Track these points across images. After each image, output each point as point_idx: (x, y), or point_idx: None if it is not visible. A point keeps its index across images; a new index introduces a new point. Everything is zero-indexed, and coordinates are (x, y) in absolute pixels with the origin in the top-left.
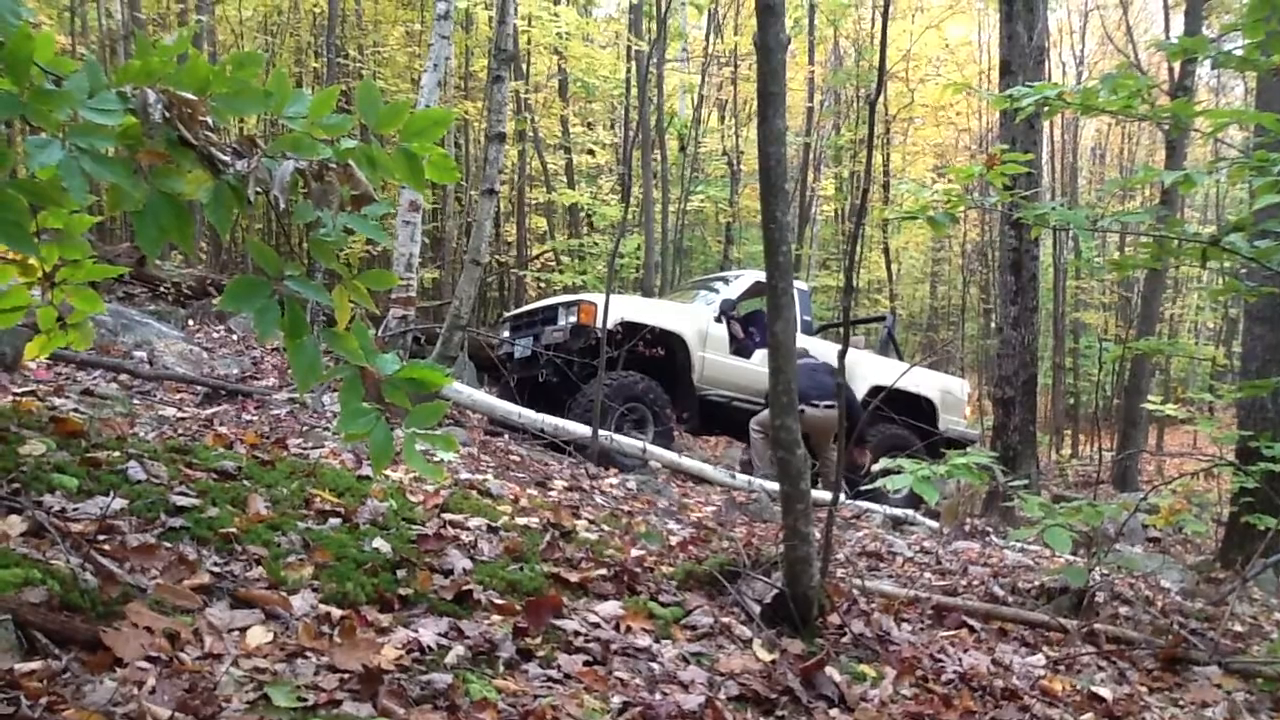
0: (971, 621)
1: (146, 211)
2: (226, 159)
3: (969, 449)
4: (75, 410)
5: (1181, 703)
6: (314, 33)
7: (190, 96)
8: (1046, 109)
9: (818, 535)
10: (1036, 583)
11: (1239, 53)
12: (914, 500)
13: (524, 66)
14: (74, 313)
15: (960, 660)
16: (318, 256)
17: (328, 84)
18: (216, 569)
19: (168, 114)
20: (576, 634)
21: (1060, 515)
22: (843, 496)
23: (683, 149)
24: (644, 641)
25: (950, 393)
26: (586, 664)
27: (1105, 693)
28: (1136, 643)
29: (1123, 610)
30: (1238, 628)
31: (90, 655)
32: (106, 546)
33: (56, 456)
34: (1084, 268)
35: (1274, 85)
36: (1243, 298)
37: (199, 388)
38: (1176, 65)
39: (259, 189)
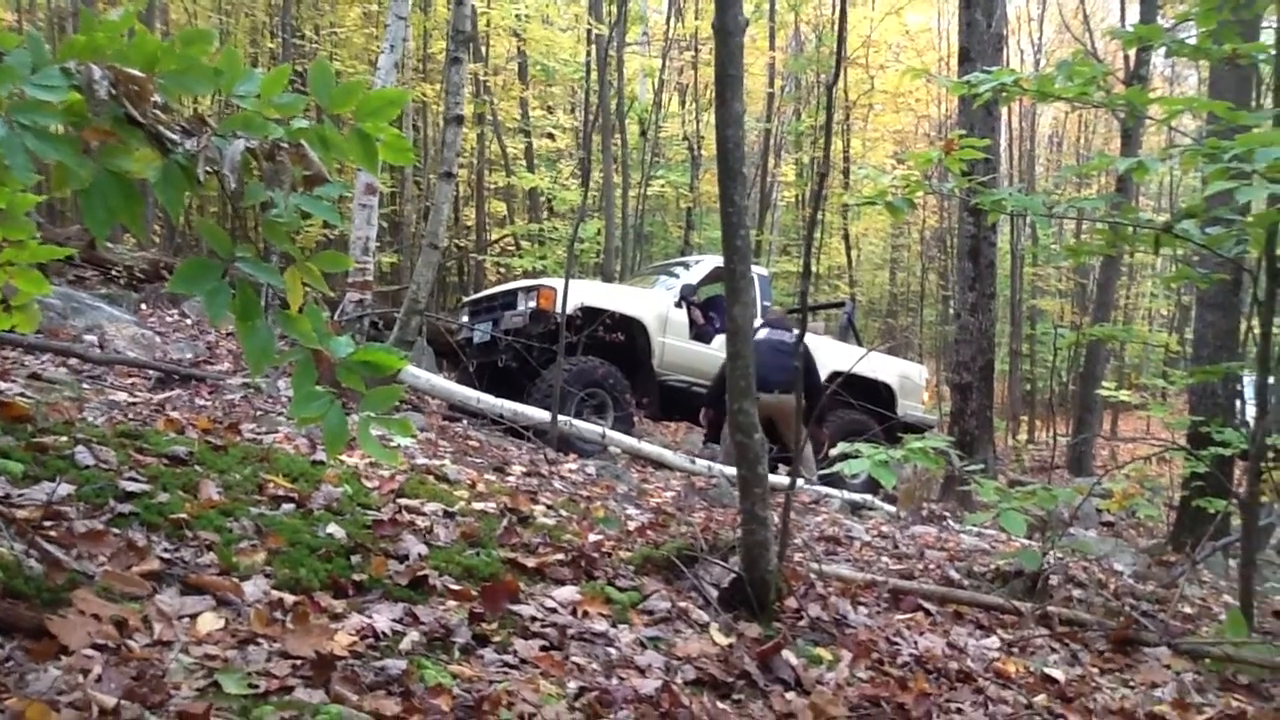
0: (927, 605)
1: (94, 191)
2: (175, 138)
3: (926, 434)
4: (22, 394)
5: (1132, 683)
6: (270, 12)
7: (137, 73)
8: (1004, 95)
9: (776, 520)
10: (992, 566)
11: (1192, 41)
12: (872, 485)
13: (483, 49)
14: (18, 294)
15: (916, 643)
16: (270, 238)
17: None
18: (167, 555)
19: (114, 91)
20: (533, 619)
21: (1015, 499)
22: (802, 481)
23: (643, 133)
24: (601, 626)
25: (908, 378)
26: (543, 649)
27: (1058, 674)
28: (1089, 625)
29: (1076, 593)
30: (1187, 610)
31: (35, 643)
32: (53, 533)
33: (1, 441)
34: (1041, 254)
35: (1226, 74)
36: (1195, 284)
37: (151, 372)
38: (1132, 54)
39: (209, 168)
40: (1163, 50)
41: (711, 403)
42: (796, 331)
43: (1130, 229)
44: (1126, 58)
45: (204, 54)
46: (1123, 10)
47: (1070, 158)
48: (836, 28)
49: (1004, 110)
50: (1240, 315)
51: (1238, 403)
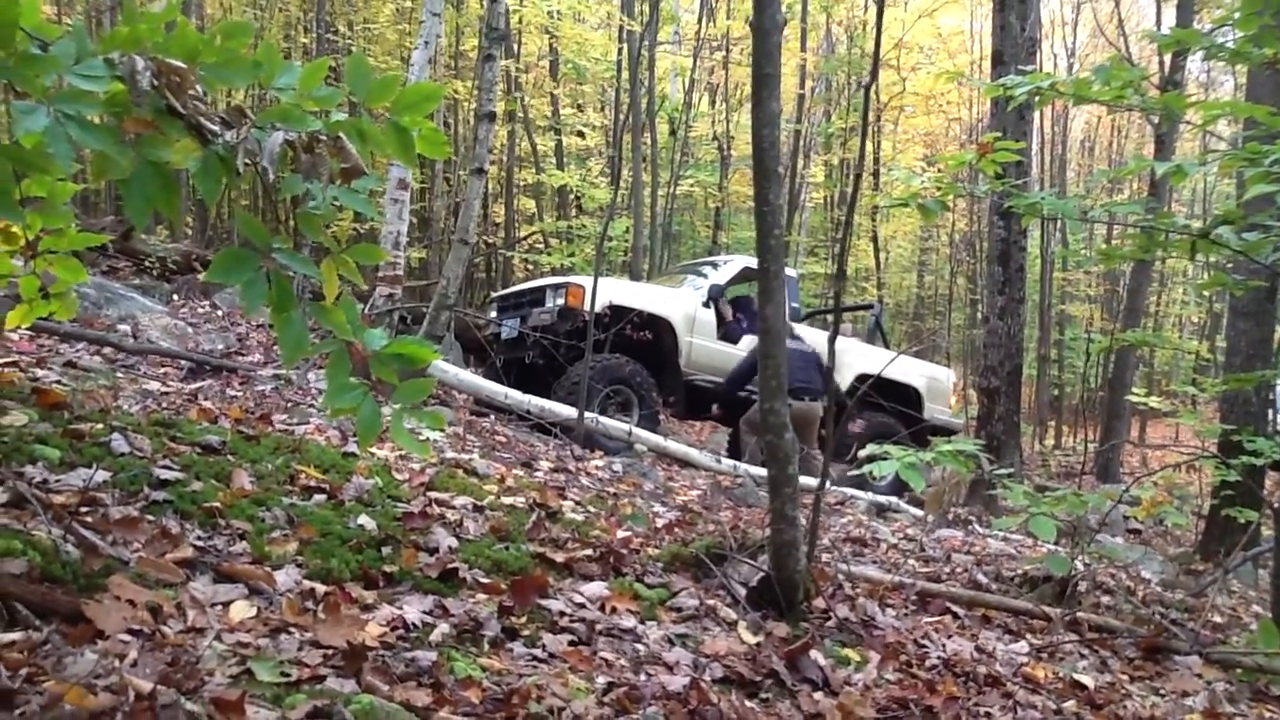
0: (955, 608)
1: (133, 180)
2: (215, 129)
3: (953, 438)
4: (58, 382)
5: (1162, 691)
6: (303, 8)
7: (179, 65)
8: (1039, 98)
9: (804, 520)
10: (1020, 571)
11: (1231, 45)
12: (898, 487)
13: (515, 46)
14: (57, 282)
15: (944, 646)
16: (305, 230)
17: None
18: (200, 543)
19: (155, 82)
20: (562, 614)
21: (1045, 504)
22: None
23: (673, 133)
24: (629, 622)
25: (936, 381)
26: (571, 644)
27: (1087, 680)
28: (1118, 632)
29: (1105, 600)
30: (1217, 619)
31: (71, 627)
32: (88, 519)
33: (39, 428)
34: (1071, 258)
35: (1264, 80)
36: (1228, 291)
37: (183, 362)
38: (1167, 58)
39: (247, 160)
40: (1198, 56)
41: (724, 394)
42: (806, 342)
43: (1164, 234)
44: (1161, 62)
45: (243, 47)
46: (1158, 15)
47: (1102, 163)
48: (870, 28)
49: (1036, 115)
50: (1274, 323)
51: (1270, 411)
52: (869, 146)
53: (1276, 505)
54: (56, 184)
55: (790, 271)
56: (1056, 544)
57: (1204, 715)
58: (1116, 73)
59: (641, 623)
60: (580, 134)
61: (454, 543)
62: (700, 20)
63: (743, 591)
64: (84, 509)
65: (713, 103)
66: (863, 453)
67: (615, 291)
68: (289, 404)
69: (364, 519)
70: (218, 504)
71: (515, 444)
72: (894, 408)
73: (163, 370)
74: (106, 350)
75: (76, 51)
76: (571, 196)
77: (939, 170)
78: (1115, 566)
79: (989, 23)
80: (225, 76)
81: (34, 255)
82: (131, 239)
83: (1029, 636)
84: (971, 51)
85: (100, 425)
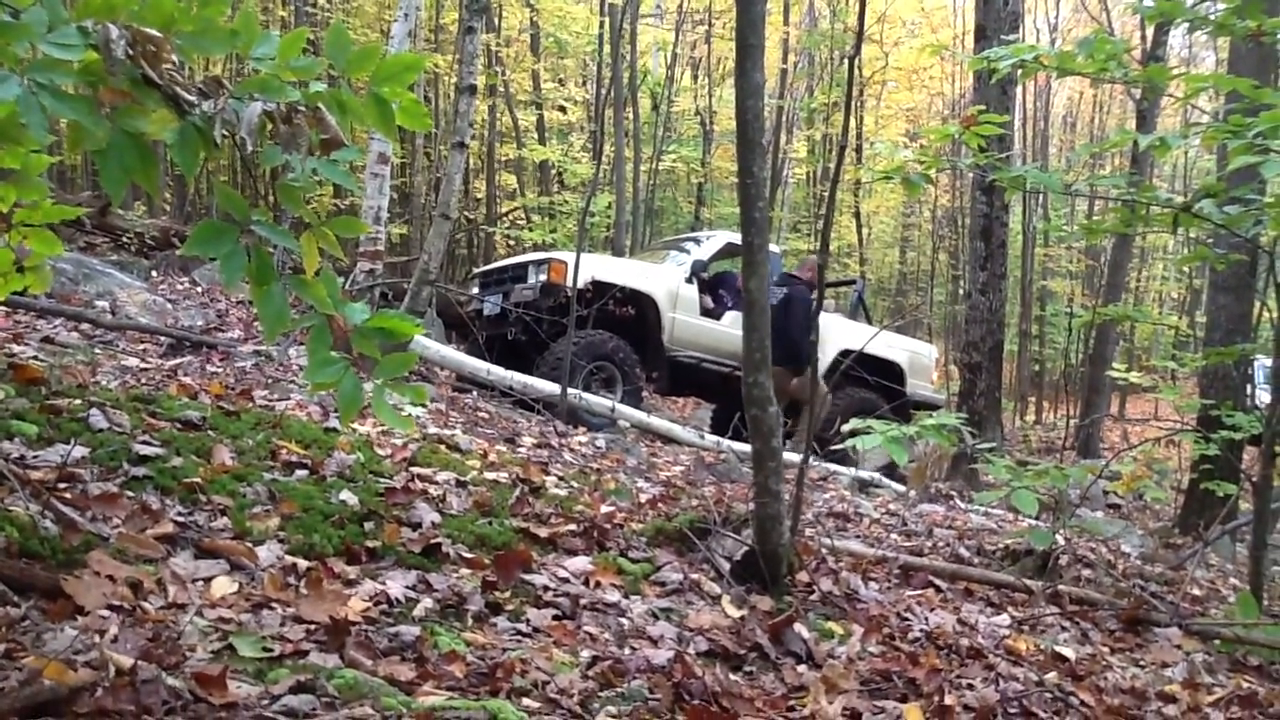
0: (938, 581)
1: (110, 151)
2: (192, 99)
3: (935, 413)
4: (35, 358)
5: (1142, 662)
6: None
7: (154, 33)
8: (1022, 71)
9: (788, 494)
10: (1002, 545)
11: (1214, 18)
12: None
13: (496, 19)
14: (31, 255)
15: (927, 619)
16: (286, 202)
17: None
18: (180, 519)
19: (131, 51)
20: (546, 589)
21: (1026, 479)
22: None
23: (655, 107)
24: (613, 597)
25: (918, 357)
26: (555, 618)
27: (1069, 652)
28: (1099, 604)
29: (1085, 573)
30: (1196, 591)
31: (51, 603)
32: (67, 494)
33: (15, 403)
34: (1053, 233)
35: (1246, 55)
36: (1210, 265)
37: (162, 338)
38: (1149, 33)
39: (225, 131)
40: (1179, 32)
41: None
42: (787, 290)
43: (1146, 208)
44: (1144, 37)
45: (219, 15)
46: None
47: (1084, 138)
48: (854, 2)
49: (1018, 90)
50: (1254, 298)
51: (1249, 386)
52: (852, 121)
53: (1255, 479)
54: (30, 156)
55: (773, 247)
56: (1038, 518)
57: (1183, 685)
58: (1100, 45)
59: (626, 597)
60: (562, 109)
61: (437, 518)
62: None
63: (727, 566)
64: (62, 485)
65: (695, 77)
66: (846, 428)
67: (598, 267)
68: (270, 379)
69: (346, 494)
70: (198, 480)
71: (498, 420)
72: (877, 383)
73: (142, 346)
74: (84, 326)
75: (49, 19)
76: (553, 172)
77: (922, 145)
78: (1096, 540)
79: None
80: (202, 45)
81: (8, 228)
82: (109, 214)
83: (1011, 609)
84: (954, 26)
85: (78, 401)
